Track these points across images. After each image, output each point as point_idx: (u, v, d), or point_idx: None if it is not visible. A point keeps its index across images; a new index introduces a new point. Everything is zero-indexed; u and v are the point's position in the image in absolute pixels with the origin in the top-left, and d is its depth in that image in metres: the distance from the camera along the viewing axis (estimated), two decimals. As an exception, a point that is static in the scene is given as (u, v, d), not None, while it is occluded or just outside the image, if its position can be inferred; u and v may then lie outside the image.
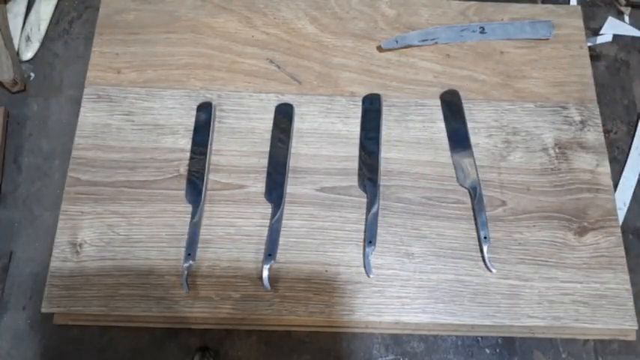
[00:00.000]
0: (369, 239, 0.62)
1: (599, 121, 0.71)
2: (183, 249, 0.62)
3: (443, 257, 0.63)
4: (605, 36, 0.79)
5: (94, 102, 0.70)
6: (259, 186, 0.66)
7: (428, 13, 0.77)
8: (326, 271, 0.62)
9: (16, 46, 0.78)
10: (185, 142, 0.68)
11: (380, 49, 0.75)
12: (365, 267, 0.62)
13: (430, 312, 0.61)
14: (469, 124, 0.70)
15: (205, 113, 0.69)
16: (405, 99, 0.72)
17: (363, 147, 0.68)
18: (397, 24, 0.76)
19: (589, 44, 0.77)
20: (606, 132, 0.77)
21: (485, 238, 0.63)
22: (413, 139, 0.69)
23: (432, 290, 0.62)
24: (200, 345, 0.63)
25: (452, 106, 0.71)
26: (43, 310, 0.60)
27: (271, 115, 0.70)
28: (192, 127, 0.68)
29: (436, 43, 0.75)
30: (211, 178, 0.66)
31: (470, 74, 0.74)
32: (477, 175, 0.67)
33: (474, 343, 0.65)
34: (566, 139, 0.70)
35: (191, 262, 0.60)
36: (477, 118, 0.71)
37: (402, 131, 0.70)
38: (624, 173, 0.74)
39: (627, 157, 0.75)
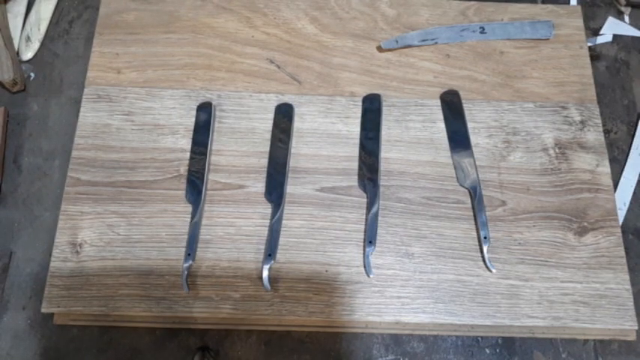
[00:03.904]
0: (369, 239, 0.62)
1: (599, 121, 0.71)
2: (183, 249, 0.62)
3: (443, 257, 0.63)
4: (605, 36, 0.79)
5: (94, 102, 0.70)
6: (259, 186, 0.66)
7: (428, 13, 0.77)
8: (326, 271, 0.62)
9: (16, 46, 0.78)
10: (185, 142, 0.68)
11: (380, 49, 0.75)
12: (365, 267, 0.62)
13: (430, 312, 0.61)
14: (469, 124, 0.70)
15: (205, 113, 0.69)
16: (405, 99, 0.72)
17: (363, 147, 0.68)
18: (397, 24, 0.76)
19: (589, 44, 0.77)
20: (606, 132, 0.77)
21: (485, 238, 0.63)
22: (413, 139, 0.69)
23: (432, 290, 0.62)
24: (200, 345, 0.63)
25: (452, 106, 0.71)
26: (43, 310, 0.60)
27: (271, 115, 0.70)
28: (192, 127, 0.68)
29: (436, 43, 0.75)
30: (211, 178, 0.66)
31: (470, 74, 0.74)
32: (477, 175, 0.67)
33: (474, 343, 0.65)
34: (566, 139, 0.70)
35: (191, 262, 0.60)
36: (477, 118, 0.71)
37: (402, 131, 0.70)
38: (624, 173, 0.74)
39: (627, 157, 0.75)
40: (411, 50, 0.75)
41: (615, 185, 0.73)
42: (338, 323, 0.61)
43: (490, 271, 0.62)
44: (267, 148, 0.68)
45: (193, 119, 0.69)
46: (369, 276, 0.62)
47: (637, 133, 0.77)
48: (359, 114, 0.70)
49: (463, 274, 0.62)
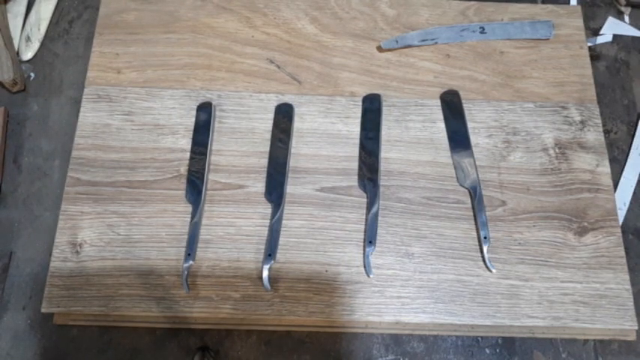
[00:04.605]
0: (369, 239, 0.62)
1: (599, 121, 0.71)
2: (183, 249, 0.62)
3: (443, 257, 0.63)
4: (605, 36, 0.79)
5: (94, 102, 0.70)
6: (259, 186, 0.66)
7: (428, 13, 0.77)
8: (326, 271, 0.62)
9: (16, 46, 0.78)
10: (185, 142, 0.68)
11: (380, 49, 0.75)
12: (365, 267, 0.62)
13: (430, 312, 0.61)
14: (469, 124, 0.70)
15: (205, 113, 0.69)
16: (405, 99, 0.72)
17: (363, 147, 0.68)
18: (397, 24, 0.76)
19: (589, 44, 0.77)
20: (606, 132, 0.77)
21: (485, 238, 0.63)
22: (413, 139, 0.69)
23: (432, 290, 0.62)
24: (200, 345, 0.63)
25: (452, 106, 0.71)
26: (43, 310, 0.60)
27: (271, 115, 0.70)
28: (192, 127, 0.68)
29: (436, 43, 0.75)
30: (211, 178, 0.66)
31: (470, 74, 0.74)
32: (477, 175, 0.67)
33: (474, 343, 0.65)
34: (566, 139, 0.70)
35: (191, 262, 0.60)
36: (477, 118, 0.71)
37: (402, 131, 0.70)
38: (624, 173, 0.74)
39: (627, 157, 0.75)
40: (411, 50, 0.75)
41: (615, 185, 0.73)
42: (338, 323, 0.61)
43: (490, 271, 0.62)
44: (267, 148, 0.68)
45: (193, 119, 0.69)
46: (369, 276, 0.62)
47: (637, 133, 0.77)
48: (359, 114, 0.70)
49: (463, 274, 0.62)
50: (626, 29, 0.80)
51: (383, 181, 0.67)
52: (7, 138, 0.73)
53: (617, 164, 0.75)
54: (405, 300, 0.61)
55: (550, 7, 0.79)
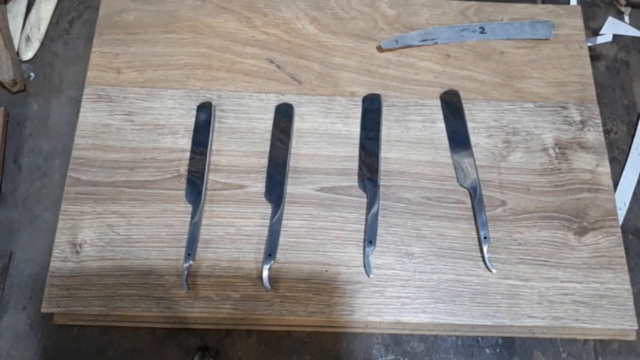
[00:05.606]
0: (369, 239, 0.62)
1: (599, 121, 0.71)
2: (183, 249, 0.62)
3: (443, 257, 0.63)
4: (605, 36, 0.79)
5: (94, 102, 0.70)
6: (259, 186, 0.66)
7: (428, 13, 0.77)
8: (326, 271, 0.62)
9: (16, 46, 0.78)
10: (185, 142, 0.68)
11: (380, 49, 0.75)
12: (365, 267, 0.62)
13: (430, 312, 0.61)
14: (469, 124, 0.70)
15: (205, 113, 0.69)
16: (405, 99, 0.72)
17: (363, 147, 0.68)
18: (397, 24, 0.76)
19: (589, 44, 0.77)
20: (606, 132, 0.77)
21: (485, 238, 0.63)
22: (413, 139, 0.69)
23: (432, 290, 0.62)
24: (200, 345, 0.63)
25: (452, 106, 0.71)
26: (43, 310, 0.60)
27: (271, 115, 0.70)
28: (192, 127, 0.68)
29: (436, 43, 0.75)
30: (211, 178, 0.66)
31: (470, 74, 0.74)
32: (477, 175, 0.67)
33: (474, 343, 0.65)
34: (566, 139, 0.70)
35: (191, 262, 0.60)
36: (477, 118, 0.71)
37: (402, 131, 0.70)
38: (624, 173, 0.74)
39: (627, 157, 0.75)
40: (411, 50, 0.75)
41: (615, 185, 0.73)
42: (338, 323, 0.61)
43: (490, 271, 0.62)
44: (267, 148, 0.68)
45: (193, 119, 0.69)
46: (369, 276, 0.62)
47: (637, 133, 0.77)
48: (359, 114, 0.70)
49: (463, 274, 0.62)
50: (626, 29, 0.80)
51: (383, 181, 0.67)
52: (7, 138, 0.73)
53: (617, 164, 0.75)
54: (405, 300, 0.61)
55: (550, 7, 0.79)
